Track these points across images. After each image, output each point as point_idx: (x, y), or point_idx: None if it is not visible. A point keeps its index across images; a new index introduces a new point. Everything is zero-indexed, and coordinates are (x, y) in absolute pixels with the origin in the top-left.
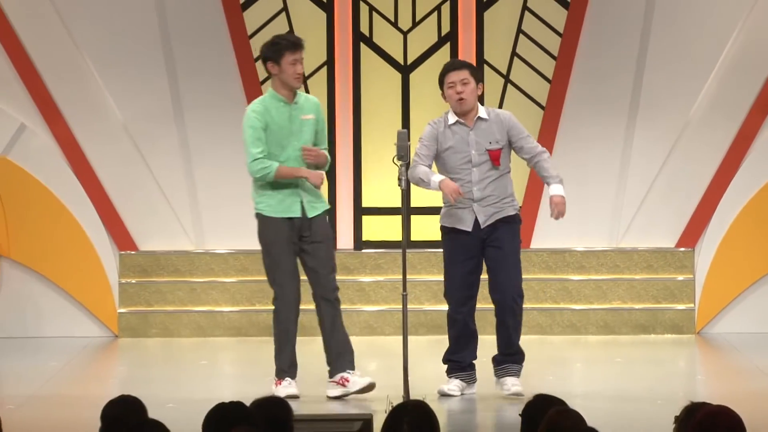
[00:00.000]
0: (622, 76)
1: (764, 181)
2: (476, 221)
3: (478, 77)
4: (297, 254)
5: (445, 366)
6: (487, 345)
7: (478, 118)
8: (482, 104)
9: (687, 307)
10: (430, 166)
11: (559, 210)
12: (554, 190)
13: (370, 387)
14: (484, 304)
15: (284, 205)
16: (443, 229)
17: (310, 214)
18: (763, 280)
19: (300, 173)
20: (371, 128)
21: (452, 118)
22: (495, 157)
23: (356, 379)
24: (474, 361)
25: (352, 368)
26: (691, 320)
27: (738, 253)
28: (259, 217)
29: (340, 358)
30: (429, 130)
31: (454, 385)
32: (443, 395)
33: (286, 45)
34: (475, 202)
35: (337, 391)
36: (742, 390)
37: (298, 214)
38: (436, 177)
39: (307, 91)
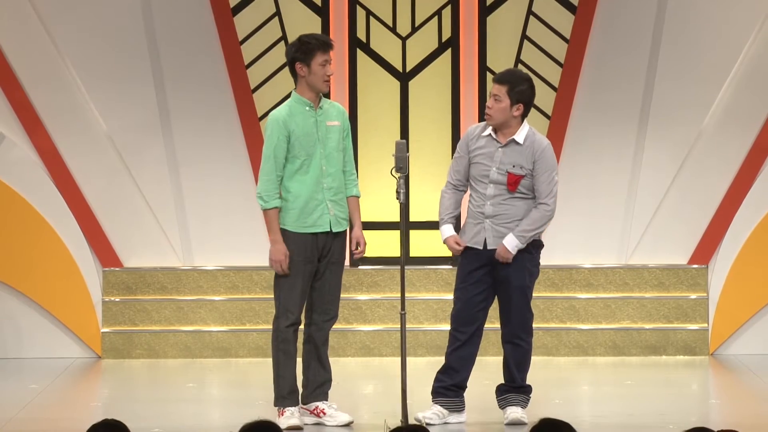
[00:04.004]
0: (631, 84)
1: None
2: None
3: (518, 98)
4: (313, 275)
5: (432, 387)
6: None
7: (513, 140)
8: (482, 116)
9: (700, 327)
10: (462, 186)
11: (499, 256)
12: (507, 239)
13: (348, 425)
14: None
15: (311, 219)
16: None
17: (335, 229)
18: None
19: (274, 236)
20: (368, 138)
21: (488, 130)
22: (512, 182)
23: (333, 413)
24: (463, 388)
25: (327, 399)
26: (705, 341)
27: (754, 271)
28: (281, 231)
29: (319, 388)
30: (463, 137)
31: (432, 413)
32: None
33: (317, 45)
34: (487, 218)
35: (311, 420)
36: (758, 414)
37: (326, 228)
38: (446, 229)
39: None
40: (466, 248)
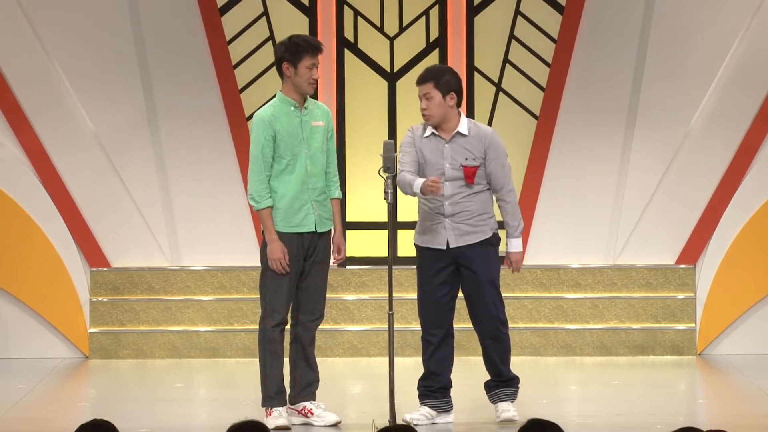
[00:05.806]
0: (619, 84)
1: None
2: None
3: (447, 88)
4: (299, 274)
5: (418, 392)
6: (477, 367)
7: (457, 133)
8: (472, 115)
9: (687, 327)
10: (416, 173)
11: (515, 267)
12: (512, 245)
13: (336, 425)
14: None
15: (297, 219)
16: (417, 247)
17: (320, 230)
18: None
19: (270, 236)
20: (356, 139)
21: (428, 131)
22: (468, 174)
23: (321, 413)
24: (449, 388)
25: (314, 399)
26: (692, 341)
27: (741, 271)
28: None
29: (306, 388)
30: (406, 137)
31: (419, 414)
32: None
33: (306, 47)
34: (446, 218)
35: (298, 420)
36: (745, 414)
37: (311, 228)
38: (417, 183)
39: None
40: (427, 249)
